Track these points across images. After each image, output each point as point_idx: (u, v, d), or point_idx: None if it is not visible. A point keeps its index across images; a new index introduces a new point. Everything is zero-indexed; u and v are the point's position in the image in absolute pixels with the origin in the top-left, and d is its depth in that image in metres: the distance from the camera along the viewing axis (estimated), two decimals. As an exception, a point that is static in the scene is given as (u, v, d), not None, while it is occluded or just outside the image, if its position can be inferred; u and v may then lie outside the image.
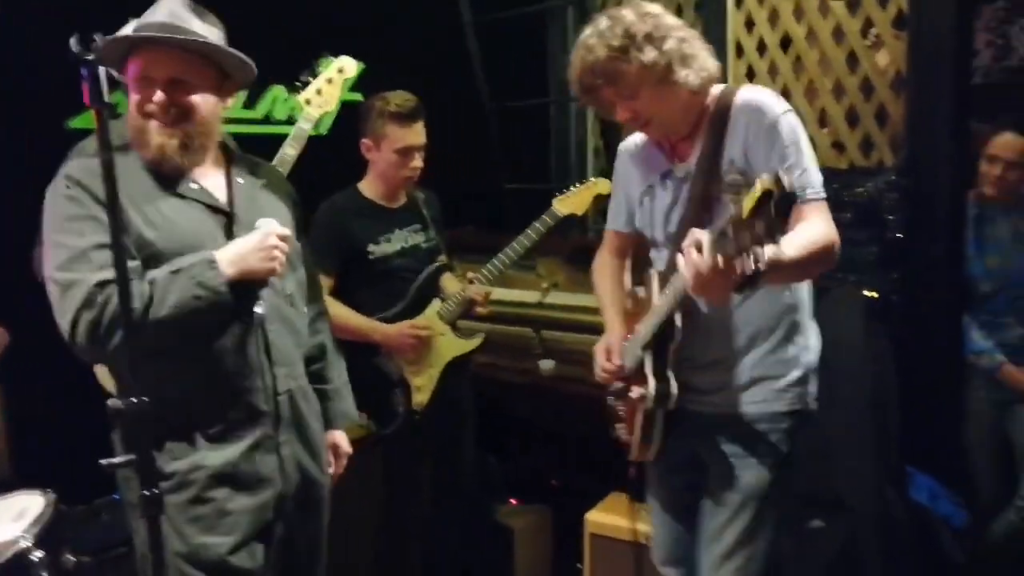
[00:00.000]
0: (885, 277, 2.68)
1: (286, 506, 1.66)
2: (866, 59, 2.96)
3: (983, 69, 3.59)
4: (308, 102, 2.31)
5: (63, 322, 1.44)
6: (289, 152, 2.22)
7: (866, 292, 2.68)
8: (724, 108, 1.67)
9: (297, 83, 2.35)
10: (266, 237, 1.54)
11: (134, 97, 1.52)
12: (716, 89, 1.72)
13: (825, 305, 2.67)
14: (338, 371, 1.91)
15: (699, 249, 1.34)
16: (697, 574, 1.81)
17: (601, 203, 2.92)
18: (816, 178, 1.61)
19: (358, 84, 3.16)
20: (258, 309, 1.56)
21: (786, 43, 3.17)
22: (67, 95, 2.35)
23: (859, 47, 2.97)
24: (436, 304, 2.52)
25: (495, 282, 2.57)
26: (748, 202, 1.19)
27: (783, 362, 1.70)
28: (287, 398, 1.65)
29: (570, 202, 2.60)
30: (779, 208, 1.17)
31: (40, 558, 1.53)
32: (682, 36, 1.63)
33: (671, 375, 1.70)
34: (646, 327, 1.74)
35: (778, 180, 1.17)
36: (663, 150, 1.79)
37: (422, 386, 2.48)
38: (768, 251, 1.28)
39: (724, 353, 1.71)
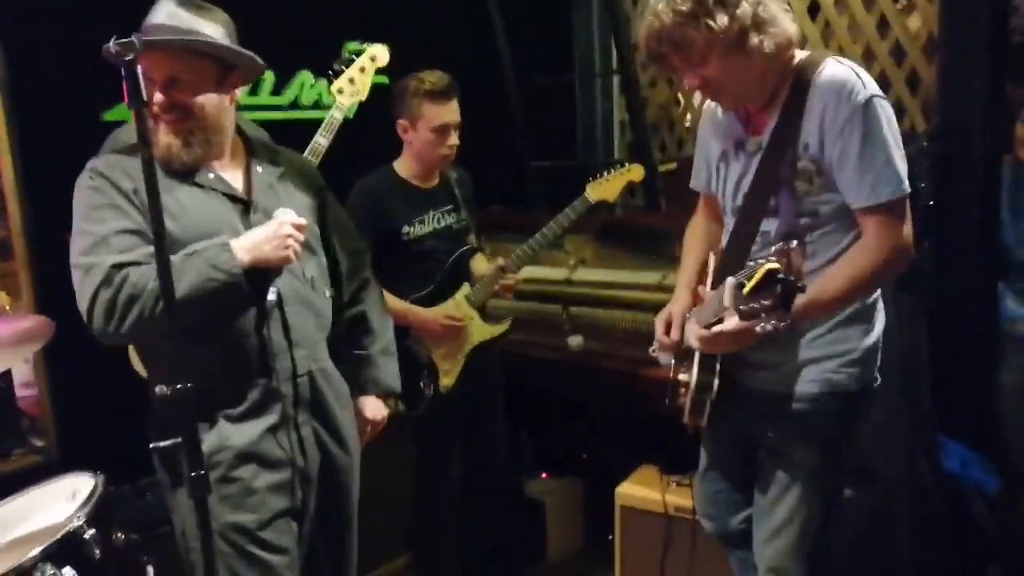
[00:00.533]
0: (918, 245, 2.64)
1: (310, 484, 1.71)
2: (897, 23, 2.90)
3: (1022, 28, 3.49)
4: (340, 91, 2.34)
5: (82, 304, 1.49)
6: (321, 141, 2.25)
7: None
8: (804, 82, 1.56)
9: (330, 72, 2.38)
10: (280, 226, 1.56)
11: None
12: (799, 56, 1.61)
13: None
14: (376, 340, 1.94)
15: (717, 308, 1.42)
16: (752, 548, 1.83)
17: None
18: (894, 176, 1.51)
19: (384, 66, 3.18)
20: (271, 296, 1.60)
21: (814, 9, 3.12)
22: (102, 88, 2.43)
23: (890, 11, 2.90)
24: (465, 288, 2.54)
25: (521, 267, 2.59)
26: (753, 280, 1.23)
27: (839, 343, 1.65)
28: (307, 379, 1.69)
29: (602, 188, 2.59)
30: (784, 288, 1.20)
31: (92, 535, 1.59)
32: None
33: (718, 367, 1.68)
34: (698, 315, 1.71)
35: (787, 260, 1.19)
36: (740, 117, 1.71)
37: (449, 369, 2.52)
38: (801, 299, 1.33)
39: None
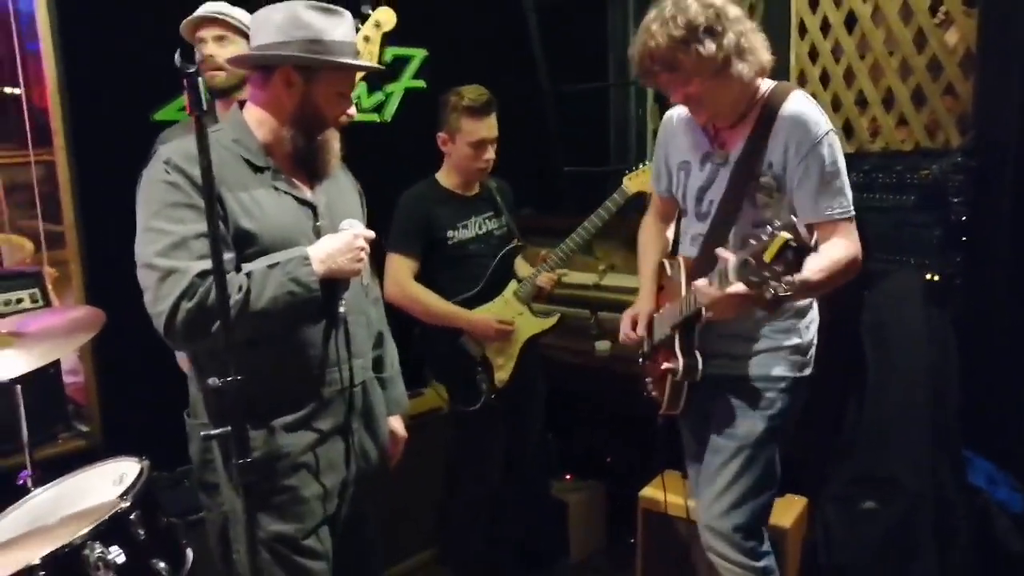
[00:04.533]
0: (948, 260, 2.65)
1: (349, 491, 1.71)
2: (934, 37, 2.89)
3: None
4: None
5: (160, 308, 1.42)
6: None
7: (928, 275, 2.65)
8: (771, 112, 1.77)
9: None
10: (355, 239, 1.58)
11: (339, 108, 1.62)
12: (766, 85, 1.81)
13: (887, 287, 2.68)
14: (392, 359, 1.94)
15: (722, 278, 1.54)
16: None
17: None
18: (845, 199, 1.76)
19: (421, 71, 3.25)
20: (341, 308, 1.61)
21: (851, 22, 3.12)
22: (152, 89, 2.52)
23: (927, 25, 2.90)
24: (513, 285, 2.63)
25: (567, 262, 2.65)
26: (772, 249, 1.39)
27: (785, 335, 1.91)
28: (361, 389, 1.71)
29: (639, 180, 2.61)
30: (795, 255, 1.38)
31: (137, 516, 1.65)
32: (741, 29, 1.71)
33: (698, 353, 1.87)
34: (674, 311, 1.88)
35: (796, 232, 1.38)
36: (707, 132, 1.90)
37: (503, 364, 2.59)
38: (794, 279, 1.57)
39: (741, 327, 1.89)
